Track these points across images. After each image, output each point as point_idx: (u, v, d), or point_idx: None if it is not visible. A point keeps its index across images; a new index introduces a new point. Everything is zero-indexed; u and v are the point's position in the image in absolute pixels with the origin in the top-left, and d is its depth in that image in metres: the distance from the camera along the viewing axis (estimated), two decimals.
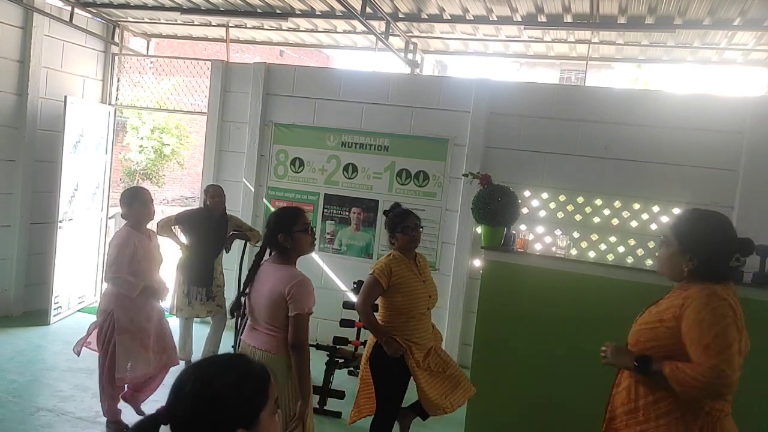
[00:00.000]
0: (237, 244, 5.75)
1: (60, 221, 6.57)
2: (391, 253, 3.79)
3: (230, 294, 6.24)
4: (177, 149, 14.80)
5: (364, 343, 5.61)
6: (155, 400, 4.89)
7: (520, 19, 6.27)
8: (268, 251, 3.16)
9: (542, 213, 6.27)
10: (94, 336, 4.24)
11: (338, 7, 6.13)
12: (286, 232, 3.03)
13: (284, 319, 2.95)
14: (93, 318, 5.26)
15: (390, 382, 3.71)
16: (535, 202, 6.29)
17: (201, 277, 5.42)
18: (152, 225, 4.62)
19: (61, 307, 6.74)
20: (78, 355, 4.36)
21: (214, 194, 5.53)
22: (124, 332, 4.09)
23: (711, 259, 2.27)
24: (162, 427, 1.40)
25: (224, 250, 5.60)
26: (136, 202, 4.17)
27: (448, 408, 3.78)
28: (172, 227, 5.50)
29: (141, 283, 4.07)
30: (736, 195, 5.76)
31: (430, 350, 3.82)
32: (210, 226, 5.47)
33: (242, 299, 3.17)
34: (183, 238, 5.56)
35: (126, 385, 4.32)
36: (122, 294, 4.08)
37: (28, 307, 6.84)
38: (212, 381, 1.37)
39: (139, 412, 4.48)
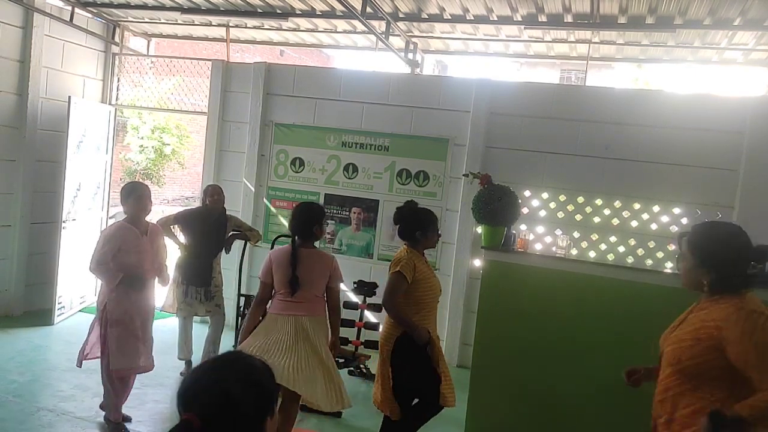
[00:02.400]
0: (237, 244, 5.75)
1: (64, 221, 6.57)
2: (408, 250, 3.88)
3: (229, 294, 6.25)
4: (177, 149, 14.79)
5: (364, 343, 5.64)
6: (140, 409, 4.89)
7: (520, 19, 6.26)
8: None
9: (542, 213, 6.27)
10: (94, 345, 4.28)
11: (338, 6, 6.13)
12: (320, 224, 3.95)
13: (324, 289, 3.87)
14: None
15: (414, 376, 3.74)
16: (535, 202, 6.28)
17: (199, 276, 5.41)
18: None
19: (64, 307, 6.75)
20: (80, 367, 4.38)
21: (213, 193, 5.53)
22: (116, 324, 4.14)
23: (728, 270, 2.33)
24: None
25: (224, 251, 5.60)
26: (131, 197, 4.21)
27: (452, 402, 3.84)
28: (171, 227, 5.50)
29: (119, 274, 4.10)
30: (736, 195, 5.76)
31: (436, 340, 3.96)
32: (209, 225, 5.47)
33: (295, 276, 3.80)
34: (182, 238, 5.56)
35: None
36: (119, 285, 4.12)
37: (29, 306, 6.84)
38: (234, 388, 1.43)
39: (122, 417, 4.41)
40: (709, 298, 2.39)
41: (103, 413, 4.39)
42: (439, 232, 4.03)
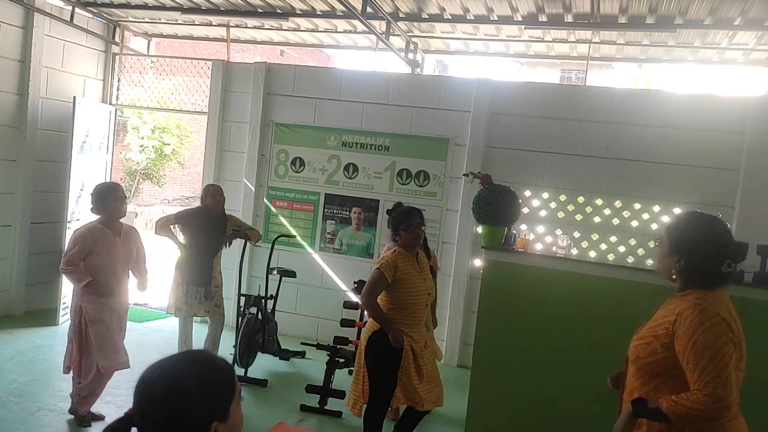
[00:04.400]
0: (237, 244, 5.75)
1: (69, 221, 6.57)
2: (396, 249, 3.88)
3: (229, 294, 6.25)
4: (178, 149, 14.80)
5: None
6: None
7: (520, 19, 6.26)
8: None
9: (543, 213, 6.27)
10: (74, 351, 4.26)
11: (339, 6, 6.13)
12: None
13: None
14: None
15: (385, 372, 3.77)
16: (535, 202, 6.28)
17: (199, 276, 5.40)
18: (151, 223, 4.60)
19: (67, 306, 6.74)
20: (67, 373, 4.34)
21: (215, 194, 5.52)
22: (95, 323, 4.14)
23: (698, 262, 2.22)
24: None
25: (226, 245, 5.58)
26: (110, 198, 4.18)
27: (420, 404, 3.83)
28: (171, 226, 5.50)
29: (88, 276, 4.08)
30: (736, 195, 5.76)
31: (426, 343, 3.94)
32: (209, 225, 5.46)
33: None
34: (182, 238, 5.56)
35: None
36: (86, 288, 4.11)
37: (30, 306, 6.85)
38: (182, 380, 1.36)
39: (92, 416, 4.38)
40: (679, 292, 2.28)
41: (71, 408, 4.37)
42: (419, 224, 3.87)
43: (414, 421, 4.01)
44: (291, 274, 5.83)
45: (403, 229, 3.84)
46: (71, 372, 4.34)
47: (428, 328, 4.17)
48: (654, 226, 5.98)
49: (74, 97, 6.59)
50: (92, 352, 4.17)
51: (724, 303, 2.19)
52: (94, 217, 4.31)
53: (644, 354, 2.25)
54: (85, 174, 6.91)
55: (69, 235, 6.52)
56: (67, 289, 6.62)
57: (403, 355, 3.75)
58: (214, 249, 5.50)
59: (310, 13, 6.77)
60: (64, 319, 6.65)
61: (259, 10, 6.90)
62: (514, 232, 4.39)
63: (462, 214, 6.40)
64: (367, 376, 3.84)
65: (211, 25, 7.79)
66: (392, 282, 3.75)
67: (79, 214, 6.80)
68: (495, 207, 4.14)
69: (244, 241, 5.78)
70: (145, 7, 7.12)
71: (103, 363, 4.15)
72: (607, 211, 6.12)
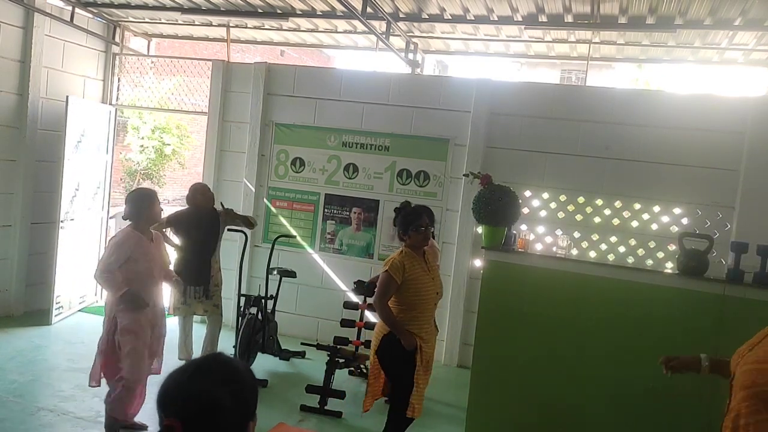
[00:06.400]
0: (237, 246, 5.74)
1: (62, 221, 6.57)
2: (403, 250, 3.88)
3: (229, 294, 6.24)
4: (178, 149, 14.77)
5: (364, 343, 5.63)
6: None
7: (520, 19, 6.26)
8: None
9: (543, 213, 6.27)
10: (107, 361, 4.19)
11: (339, 7, 6.13)
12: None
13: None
14: (94, 318, 5.17)
15: (403, 373, 3.79)
16: (535, 202, 6.28)
17: (197, 275, 5.40)
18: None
19: (62, 306, 6.74)
20: (98, 386, 4.23)
21: (204, 191, 5.53)
22: (128, 332, 4.08)
23: None
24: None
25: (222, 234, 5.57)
26: (157, 203, 4.20)
27: (418, 412, 3.84)
28: (163, 230, 5.49)
29: (124, 286, 4.03)
30: (736, 195, 5.76)
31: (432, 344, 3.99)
32: (202, 224, 5.45)
33: None
34: (175, 240, 5.55)
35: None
36: (121, 298, 4.06)
37: (29, 307, 6.84)
38: (218, 387, 1.40)
39: (135, 426, 4.35)
40: None
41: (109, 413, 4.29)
42: (428, 225, 3.93)
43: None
44: (291, 274, 5.83)
45: (413, 230, 3.84)
46: (95, 382, 4.21)
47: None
48: (654, 227, 5.98)
49: (67, 97, 6.58)
50: (122, 360, 4.10)
51: None
52: (92, 219, 4.29)
53: (764, 380, 2.11)
54: (82, 174, 6.91)
55: (62, 235, 6.55)
56: (60, 288, 6.63)
57: (416, 357, 3.76)
58: (210, 247, 5.50)
59: (310, 14, 6.77)
60: (58, 319, 6.65)
61: (259, 11, 6.90)
62: (514, 232, 4.39)
63: (462, 215, 6.40)
64: (380, 377, 3.90)
65: (211, 25, 7.79)
66: (401, 283, 3.75)
67: (74, 213, 6.80)
68: (495, 207, 4.14)
69: (244, 241, 5.78)
70: (145, 7, 7.12)
71: (131, 375, 4.08)
72: (607, 212, 6.11)
